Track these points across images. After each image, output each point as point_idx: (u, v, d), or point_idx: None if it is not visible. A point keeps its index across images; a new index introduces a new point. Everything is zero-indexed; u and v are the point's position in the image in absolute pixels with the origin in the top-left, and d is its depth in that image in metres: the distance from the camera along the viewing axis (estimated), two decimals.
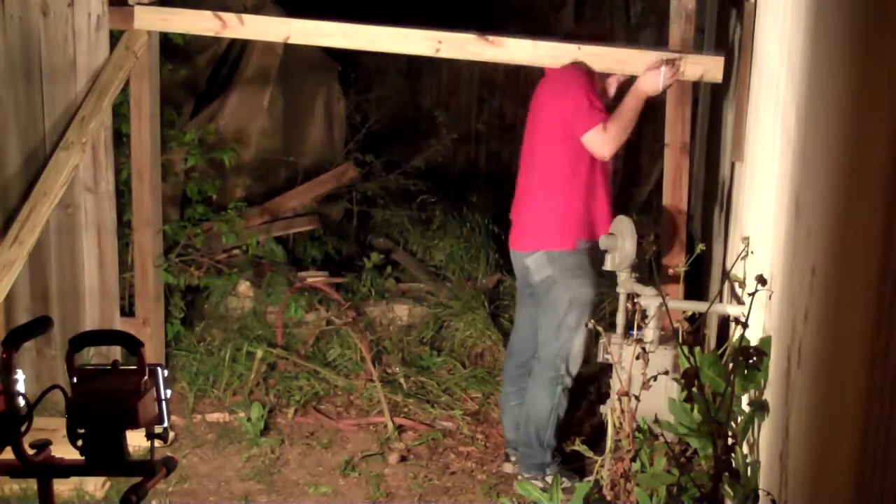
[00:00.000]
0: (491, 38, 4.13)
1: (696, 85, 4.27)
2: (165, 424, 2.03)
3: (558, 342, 3.92)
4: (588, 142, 3.79)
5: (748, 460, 2.70)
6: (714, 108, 5.04)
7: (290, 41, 4.40)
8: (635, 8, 7.42)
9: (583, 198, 3.88)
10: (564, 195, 3.88)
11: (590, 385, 4.85)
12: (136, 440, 1.99)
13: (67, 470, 2.02)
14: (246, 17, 4.32)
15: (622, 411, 3.04)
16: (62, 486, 3.67)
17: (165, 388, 2.02)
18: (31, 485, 3.02)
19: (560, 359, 3.93)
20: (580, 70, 3.90)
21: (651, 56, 3.95)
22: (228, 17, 4.24)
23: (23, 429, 1.93)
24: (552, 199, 3.90)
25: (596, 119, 3.77)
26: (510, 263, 4.26)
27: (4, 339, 1.95)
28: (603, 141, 3.78)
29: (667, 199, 4.19)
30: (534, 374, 4.03)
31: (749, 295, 2.71)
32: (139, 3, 4.30)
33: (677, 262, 4.05)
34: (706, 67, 3.99)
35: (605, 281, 4.13)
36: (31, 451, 1.97)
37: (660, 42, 4.71)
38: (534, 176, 3.98)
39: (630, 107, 3.78)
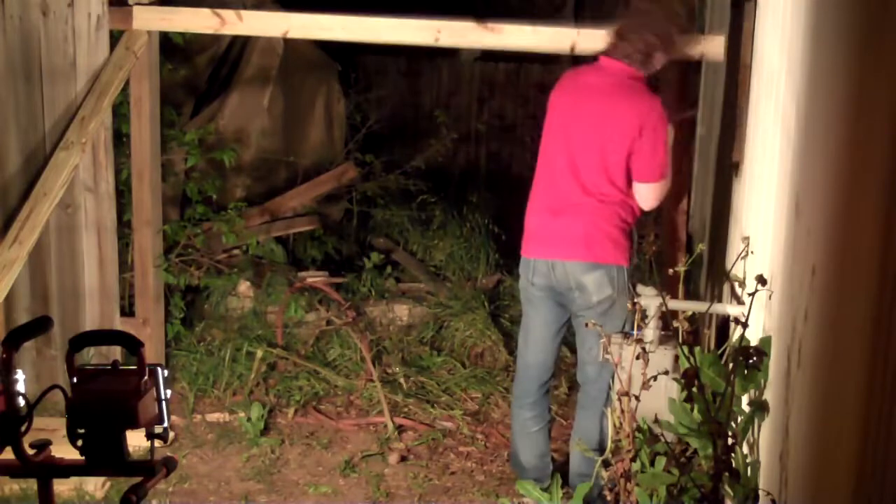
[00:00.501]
0: (490, 24, 4.13)
1: (697, 85, 4.27)
2: (165, 424, 2.03)
3: (609, 363, 3.61)
4: (640, 189, 3.60)
5: (748, 460, 2.70)
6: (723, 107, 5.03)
7: (290, 35, 4.40)
8: None
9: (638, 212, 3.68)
10: (626, 207, 3.62)
11: None
12: (136, 440, 1.99)
13: (67, 470, 2.02)
14: (244, 13, 4.33)
15: (622, 411, 3.04)
16: (62, 486, 3.67)
17: (165, 388, 2.02)
18: (31, 485, 3.02)
19: (608, 380, 3.66)
20: (664, 111, 3.60)
21: None
22: (227, 13, 4.25)
23: (23, 429, 1.93)
24: (616, 210, 3.60)
25: (659, 175, 3.59)
26: (510, 263, 4.21)
27: (4, 339, 1.95)
28: (654, 198, 3.63)
29: (666, 199, 4.19)
30: (584, 402, 3.76)
31: (749, 295, 2.71)
32: (138, 3, 4.31)
33: (677, 262, 4.05)
34: (706, 46, 4.00)
35: None
36: (31, 451, 1.97)
37: None
38: (592, 181, 3.59)
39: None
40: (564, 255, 3.62)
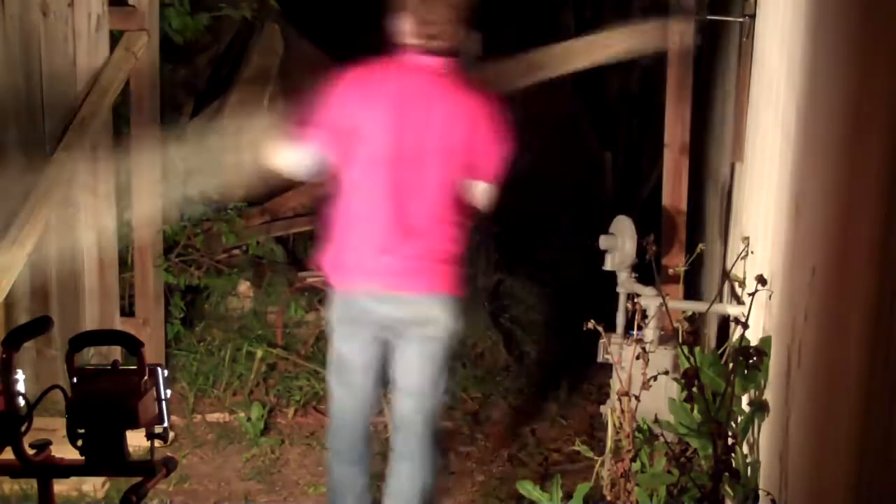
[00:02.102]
0: None
1: (696, 85, 4.27)
2: (165, 424, 2.03)
3: (441, 389, 3.32)
4: (483, 191, 3.24)
5: (748, 460, 2.70)
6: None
7: None
8: (635, 8, 7.41)
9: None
10: (464, 230, 3.29)
11: (590, 385, 4.86)
12: (136, 440, 1.99)
13: (67, 470, 2.02)
14: None
15: (622, 411, 3.04)
16: (62, 486, 3.67)
17: (165, 388, 2.02)
18: (31, 485, 3.01)
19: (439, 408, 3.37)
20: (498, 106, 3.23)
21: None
22: None
23: (23, 429, 1.93)
24: (458, 233, 3.27)
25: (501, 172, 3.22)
26: (511, 263, 4.19)
27: (4, 339, 1.95)
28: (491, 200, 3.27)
29: (666, 199, 4.19)
30: (420, 437, 3.30)
31: (749, 295, 2.72)
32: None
33: (677, 262, 4.05)
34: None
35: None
36: (31, 451, 1.97)
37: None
38: (431, 204, 3.17)
39: None
40: (407, 287, 3.18)
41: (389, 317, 3.17)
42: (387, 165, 3.09)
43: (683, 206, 4.20)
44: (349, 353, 3.25)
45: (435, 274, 3.19)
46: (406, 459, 3.31)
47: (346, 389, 3.30)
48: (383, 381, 3.37)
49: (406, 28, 3.09)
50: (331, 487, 3.42)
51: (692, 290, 4.61)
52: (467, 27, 3.12)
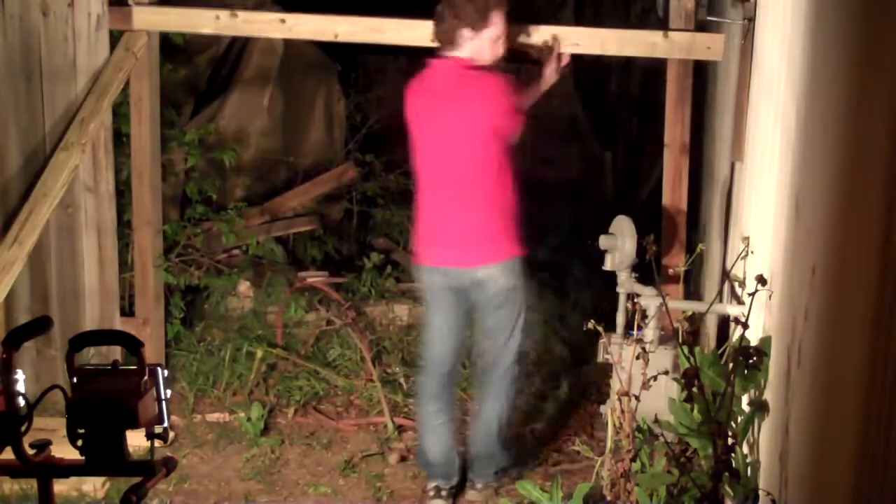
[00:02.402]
0: None
1: (697, 86, 4.27)
2: (165, 424, 2.03)
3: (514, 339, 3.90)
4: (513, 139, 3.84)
5: (748, 460, 2.71)
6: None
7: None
8: (635, 8, 7.41)
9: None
10: (512, 197, 3.80)
11: (590, 385, 4.86)
12: (136, 440, 1.99)
13: (67, 470, 2.02)
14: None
15: (622, 411, 3.04)
16: (62, 486, 3.67)
17: (165, 388, 2.02)
18: (31, 485, 3.01)
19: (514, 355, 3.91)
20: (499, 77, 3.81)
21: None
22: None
23: (23, 429, 1.93)
24: (508, 202, 3.79)
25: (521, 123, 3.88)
26: None
27: (4, 339, 1.95)
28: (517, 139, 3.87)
29: (666, 199, 4.19)
30: (498, 379, 3.94)
31: (749, 295, 2.72)
32: (138, 3, 4.30)
33: (677, 262, 4.05)
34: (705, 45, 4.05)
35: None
36: (31, 451, 1.97)
37: None
38: (481, 181, 3.78)
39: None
40: (472, 261, 3.79)
41: (460, 286, 3.81)
42: (436, 153, 3.75)
43: (683, 206, 4.20)
44: (435, 314, 3.95)
45: (493, 246, 3.77)
46: (488, 396, 3.96)
47: (434, 344, 3.96)
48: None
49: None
50: (420, 422, 4.09)
51: (692, 290, 4.61)
52: (472, 28, 3.71)
